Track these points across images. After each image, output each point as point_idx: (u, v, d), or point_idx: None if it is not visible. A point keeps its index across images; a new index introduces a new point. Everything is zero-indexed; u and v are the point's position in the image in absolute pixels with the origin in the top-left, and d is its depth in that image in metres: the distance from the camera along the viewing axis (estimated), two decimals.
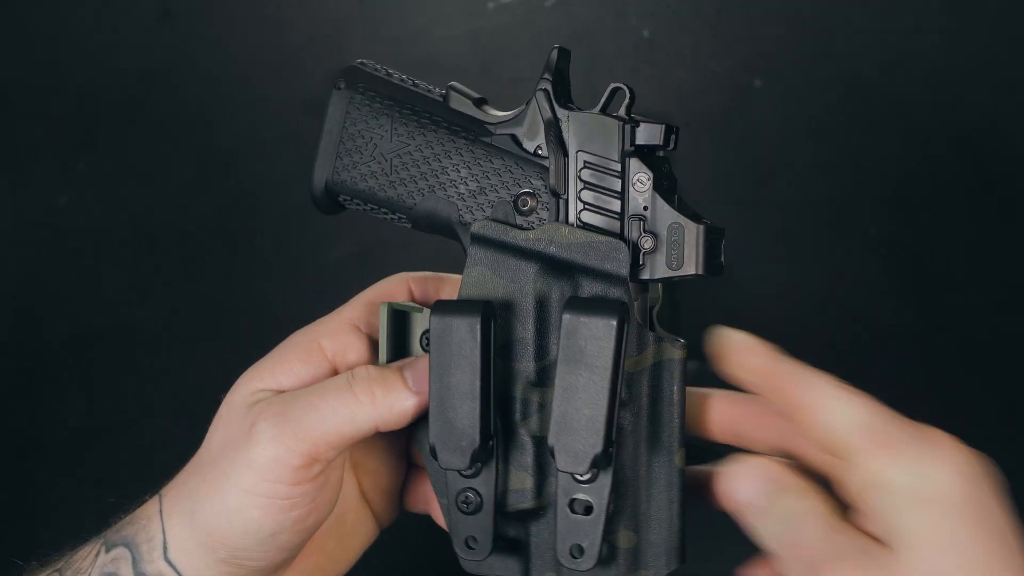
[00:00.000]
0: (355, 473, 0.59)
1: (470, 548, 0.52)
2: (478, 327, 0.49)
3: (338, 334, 0.55)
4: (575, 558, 0.51)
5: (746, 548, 0.88)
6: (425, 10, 0.95)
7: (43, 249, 0.96)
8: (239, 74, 0.96)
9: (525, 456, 0.53)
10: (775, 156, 0.94)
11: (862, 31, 0.95)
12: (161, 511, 0.53)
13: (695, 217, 0.53)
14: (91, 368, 0.94)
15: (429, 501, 0.59)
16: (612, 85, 0.53)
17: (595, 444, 0.49)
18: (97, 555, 0.54)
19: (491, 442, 0.51)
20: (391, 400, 0.51)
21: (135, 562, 0.53)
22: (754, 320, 0.93)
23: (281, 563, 0.53)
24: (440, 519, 0.56)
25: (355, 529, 0.59)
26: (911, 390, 0.91)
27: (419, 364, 0.52)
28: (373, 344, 0.56)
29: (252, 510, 0.50)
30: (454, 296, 0.55)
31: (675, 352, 0.54)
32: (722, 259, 0.54)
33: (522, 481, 0.53)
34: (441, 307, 0.51)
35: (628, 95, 0.53)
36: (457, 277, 0.57)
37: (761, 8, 0.95)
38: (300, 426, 0.50)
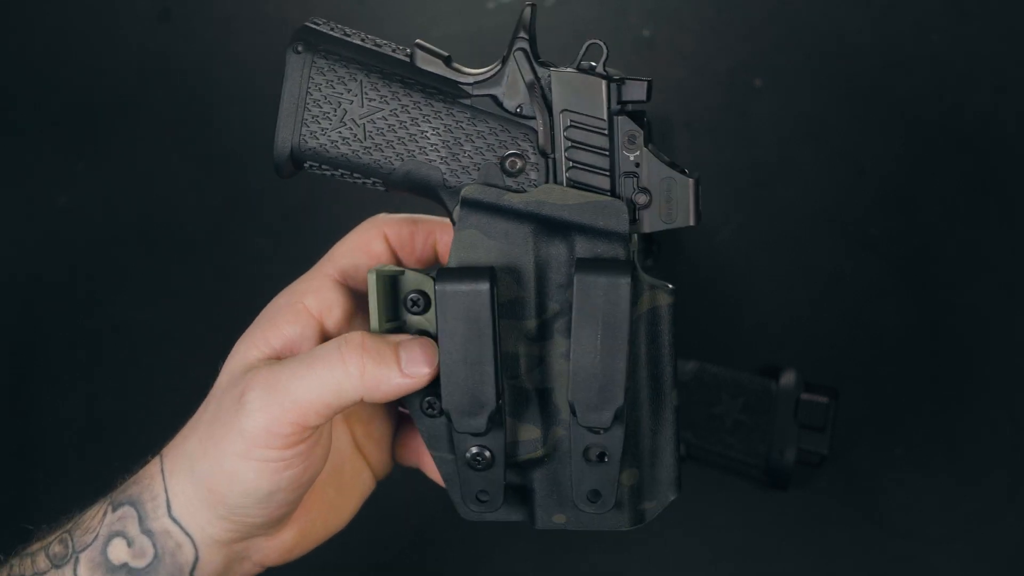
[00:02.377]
0: (348, 423, 0.60)
1: (481, 502, 0.54)
2: (487, 294, 0.50)
3: (321, 291, 0.55)
4: (592, 502, 0.53)
5: (747, 546, 0.88)
6: (425, 10, 0.95)
7: (43, 249, 0.96)
8: (239, 74, 0.96)
9: (531, 408, 0.54)
10: (775, 156, 0.94)
11: (862, 31, 0.95)
12: (163, 471, 0.55)
13: (680, 169, 0.54)
14: (91, 368, 0.94)
15: (420, 455, 0.60)
16: (588, 41, 0.53)
17: (616, 398, 0.51)
18: (104, 514, 0.55)
19: (501, 401, 0.52)
20: (380, 375, 0.52)
21: (141, 519, 0.54)
22: (754, 320, 0.94)
23: (281, 516, 0.55)
24: (432, 473, 0.58)
25: (352, 479, 0.60)
26: (911, 390, 0.91)
27: (416, 347, 0.53)
28: (356, 297, 0.56)
29: (248, 473, 0.52)
30: (428, 241, 0.57)
31: (665, 298, 0.55)
32: (701, 207, 0.55)
33: (529, 432, 0.54)
34: (446, 275, 0.51)
35: (604, 51, 0.53)
36: (430, 218, 0.58)
37: (761, 8, 0.95)
38: (287, 396, 0.51)
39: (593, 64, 0.53)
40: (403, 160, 0.54)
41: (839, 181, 0.94)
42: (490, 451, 0.53)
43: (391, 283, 0.54)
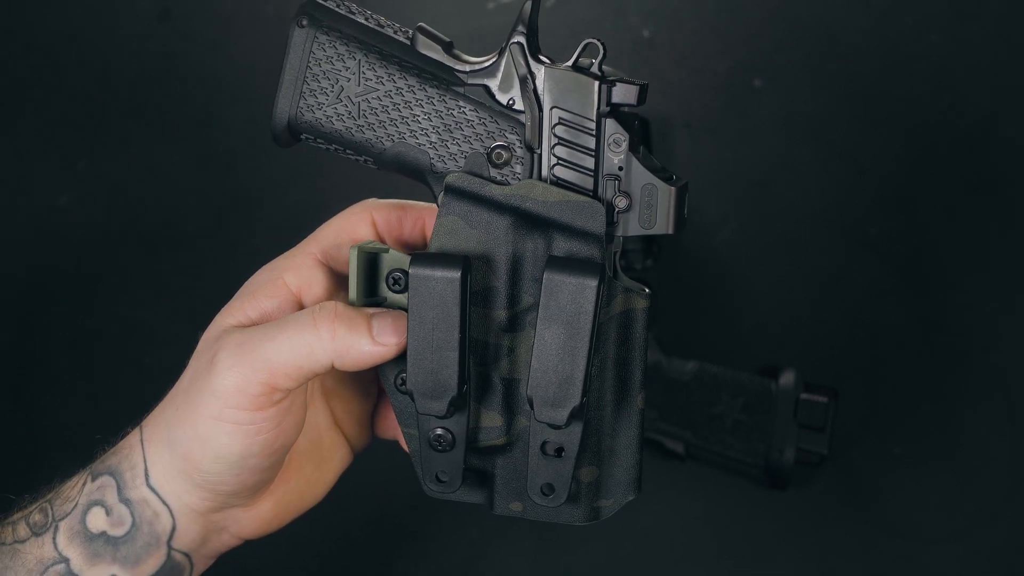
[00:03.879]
0: (327, 399, 0.60)
1: (440, 482, 0.55)
2: (458, 282, 0.51)
3: (302, 268, 0.56)
4: (546, 495, 0.54)
5: (745, 549, 0.88)
6: (425, 10, 0.95)
7: (43, 249, 0.96)
8: (239, 74, 0.96)
9: (495, 396, 0.55)
10: (775, 156, 0.94)
11: (862, 31, 0.95)
12: (142, 440, 0.56)
13: (665, 176, 0.54)
14: (91, 368, 0.94)
15: (398, 429, 0.60)
16: (585, 40, 0.53)
17: (573, 397, 0.52)
18: (84, 485, 0.56)
19: (466, 387, 0.53)
20: (351, 341, 0.52)
21: (119, 489, 0.55)
22: (754, 320, 0.94)
23: (255, 485, 0.55)
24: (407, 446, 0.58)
25: (330, 454, 0.61)
26: (911, 390, 0.91)
27: (388, 318, 0.53)
28: (337, 277, 0.57)
29: (221, 436, 0.52)
30: (416, 226, 0.57)
31: (640, 302, 0.55)
32: (686, 212, 0.55)
33: (492, 420, 0.55)
34: (420, 260, 0.52)
35: (601, 50, 0.53)
36: (418, 203, 0.58)
37: (761, 8, 0.95)
38: (256, 356, 0.52)
39: (592, 62, 0.53)
40: (394, 141, 0.55)
41: (839, 181, 0.94)
42: (452, 434, 0.54)
43: (372, 260, 0.55)
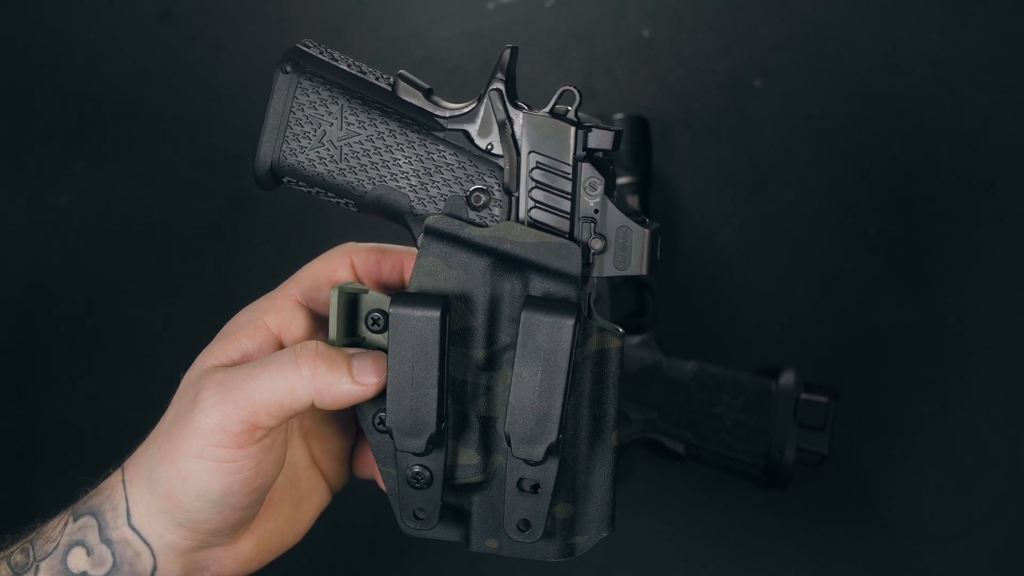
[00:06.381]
0: (305, 439, 0.61)
1: (418, 519, 0.56)
2: (438, 321, 0.52)
3: (282, 310, 0.57)
4: (522, 531, 0.55)
5: (743, 549, 0.88)
6: (425, 10, 0.95)
7: (43, 249, 0.96)
8: (239, 74, 0.96)
9: (472, 434, 0.56)
10: (775, 156, 0.94)
11: (862, 31, 0.95)
12: (124, 481, 0.56)
13: (639, 219, 0.55)
14: (91, 368, 0.94)
15: (376, 469, 0.61)
16: (562, 88, 0.55)
17: (550, 434, 0.53)
18: (65, 525, 0.56)
19: (444, 425, 0.54)
20: (331, 380, 0.53)
21: (101, 529, 0.55)
22: (754, 320, 0.94)
23: (236, 523, 0.55)
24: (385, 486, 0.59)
25: (308, 493, 0.61)
26: (911, 390, 0.91)
27: (368, 358, 0.54)
28: (317, 319, 0.58)
29: (202, 473, 0.53)
30: (395, 269, 0.59)
31: (614, 341, 0.56)
32: (658, 255, 0.56)
33: (469, 457, 0.56)
34: (401, 299, 0.53)
35: (577, 97, 0.55)
36: (397, 247, 0.60)
37: (761, 8, 0.95)
38: (239, 394, 0.53)
39: (568, 109, 0.55)
40: (375, 184, 0.56)
41: (839, 181, 0.94)
42: (430, 472, 0.55)
43: (352, 301, 0.56)
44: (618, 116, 0.90)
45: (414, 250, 0.57)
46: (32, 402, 0.94)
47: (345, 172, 0.56)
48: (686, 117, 0.95)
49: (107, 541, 0.55)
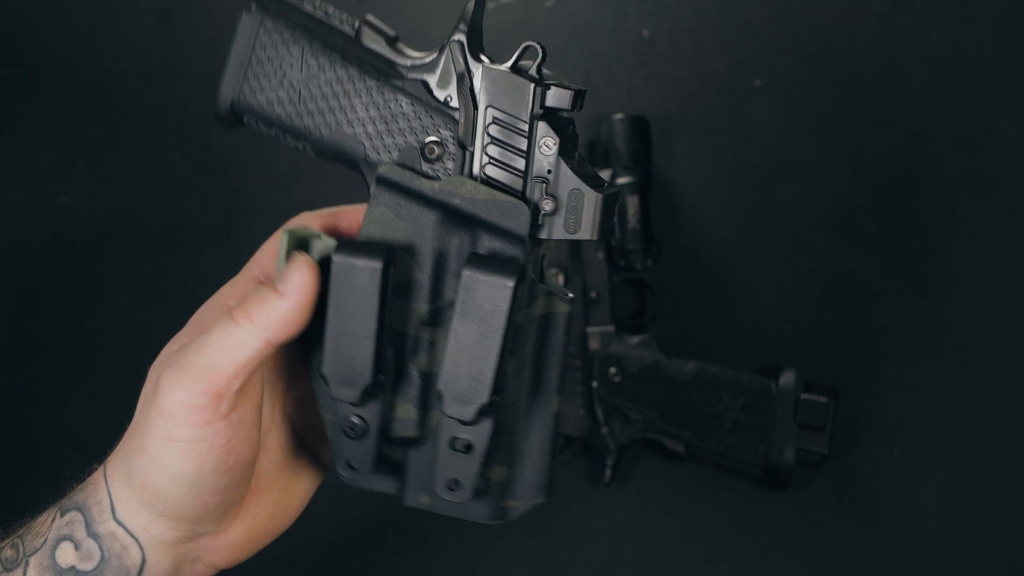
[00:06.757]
0: (287, 420, 0.60)
1: (351, 469, 0.55)
2: (379, 273, 0.51)
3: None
4: (451, 491, 0.54)
5: (742, 551, 0.88)
6: (425, 10, 0.95)
7: (43, 249, 0.96)
8: None
9: (412, 389, 0.55)
10: (775, 156, 0.94)
11: (862, 31, 0.95)
12: (105, 475, 0.56)
13: (595, 183, 0.54)
14: (91, 368, 0.94)
15: None
16: (525, 43, 0.54)
17: (482, 394, 0.52)
18: (53, 520, 0.56)
19: (381, 377, 0.53)
20: (266, 311, 0.53)
21: (87, 524, 0.55)
22: (754, 320, 0.94)
23: (217, 507, 0.55)
24: None
25: (297, 476, 0.61)
26: (911, 390, 0.91)
27: (286, 269, 0.53)
28: None
29: (174, 456, 0.52)
30: (353, 224, 0.58)
31: (561, 306, 0.56)
32: (614, 220, 0.56)
33: (407, 412, 0.55)
34: (345, 247, 0.52)
35: (540, 53, 0.54)
36: (353, 206, 0.59)
37: (761, 8, 0.95)
38: (194, 367, 0.52)
39: (532, 63, 0.54)
40: (331, 129, 0.56)
41: (839, 181, 0.94)
42: (366, 423, 0.54)
43: (303, 245, 0.55)
44: (618, 116, 0.90)
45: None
46: (32, 402, 0.94)
47: (303, 115, 0.56)
48: (686, 117, 0.95)
49: (94, 535, 0.55)
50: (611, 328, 0.88)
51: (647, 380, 0.87)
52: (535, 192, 0.54)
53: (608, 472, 0.88)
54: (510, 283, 0.51)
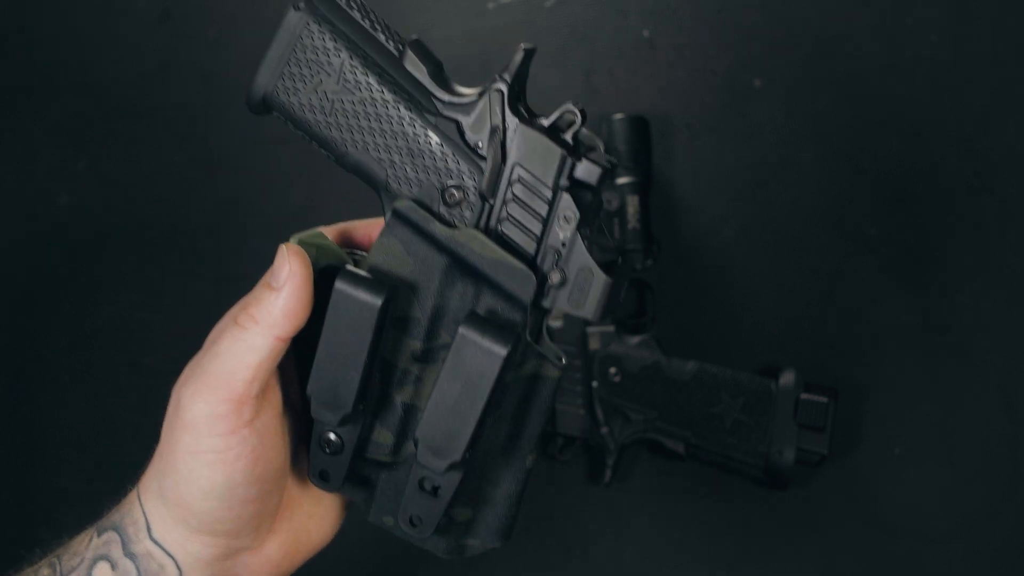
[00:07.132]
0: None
1: (323, 480, 0.56)
2: (377, 311, 0.51)
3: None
4: (413, 526, 0.55)
5: (741, 552, 0.87)
6: (425, 10, 0.95)
7: (43, 249, 0.96)
8: (239, 74, 0.96)
9: (393, 417, 0.55)
10: (775, 156, 0.94)
11: (862, 31, 0.95)
12: (139, 496, 0.56)
13: (608, 258, 0.53)
14: (91, 368, 0.94)
15: None
16: (564, 108, 0.52)
17: (456, 452, 0.52)
18: (90, 540, 0.56)
19: (362, 406, 0.53)
20: (267, 308, 0.53)
21: (124, 543, 0.55)
22: (754, 320, 0.94)
23: (250, 518, 0.55)
24: None
25: None
26: (911, 390, 0.91)
27: (274, 263, 0.53)
28: None
29: (201, 468, 0.53)
30: (366, 236, 0.57)
31: (552, 371, 0.55)
32: (620, 299, 0.55)
33: (384, 438, 0.55)
34: (348, 277, 0.51)
35: (579, 119, 0.52)
36: (367, 220, 0.58)
37: (761, 8, 0.95)
38: (211, 376, 0.52)
39: (575, 117, 0.52)
40: (357, 148, 0.55)
41: (839, 181, 0.94)
42: (342, 441, 0.54)
43: (312, 253, 0.55)
44: (618, 116, 0.90)
45: (383, 222, 0.55)
46: (32, 402, 0.94)
47: (331, 127, 0.55)
48: (686, 117, 0.95)
49: (130, 555, 0.55)
50: (611, 328, 0.88)
51: (647, 380, 0.87)
52: (546, 261, 0.53)
53: (608, 472, 0.88)
54: (502, 352, 0.50)
